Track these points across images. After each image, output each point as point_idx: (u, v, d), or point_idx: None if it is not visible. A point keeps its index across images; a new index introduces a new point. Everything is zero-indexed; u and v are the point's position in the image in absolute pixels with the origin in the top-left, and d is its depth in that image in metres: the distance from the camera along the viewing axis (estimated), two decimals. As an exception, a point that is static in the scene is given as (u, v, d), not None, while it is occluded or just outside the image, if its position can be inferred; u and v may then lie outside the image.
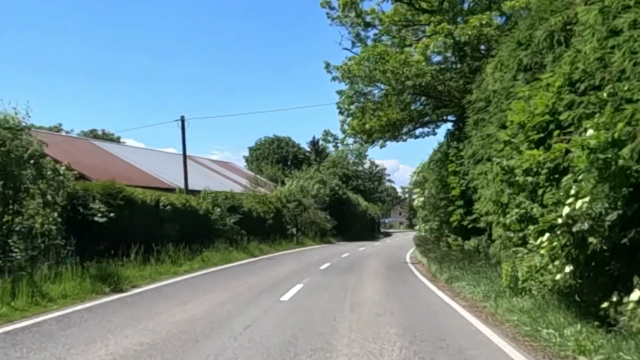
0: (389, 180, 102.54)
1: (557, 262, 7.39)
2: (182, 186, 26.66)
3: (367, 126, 20.46)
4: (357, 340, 6.72)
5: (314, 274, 15.93)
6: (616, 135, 6.06)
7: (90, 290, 10.41)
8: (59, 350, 6.08)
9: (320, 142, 74.86)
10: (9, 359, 5.76)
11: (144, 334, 6.90)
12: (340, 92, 20.20)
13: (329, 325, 7.80)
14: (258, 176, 46.47)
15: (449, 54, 20.30)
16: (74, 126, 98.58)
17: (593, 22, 7.51)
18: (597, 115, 6.53)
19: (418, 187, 27.15)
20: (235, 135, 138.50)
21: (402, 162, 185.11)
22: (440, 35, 15.95)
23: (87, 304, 9.42)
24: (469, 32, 15.78)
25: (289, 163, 68.28)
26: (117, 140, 57.89)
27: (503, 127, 11.22)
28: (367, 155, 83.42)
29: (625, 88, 6.36)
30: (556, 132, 8.30)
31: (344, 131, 22.75)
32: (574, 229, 6.91)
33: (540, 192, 8.65)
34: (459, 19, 17.99)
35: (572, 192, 6.86)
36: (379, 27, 22.32)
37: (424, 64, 16.85)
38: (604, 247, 6.77)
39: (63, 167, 13.77)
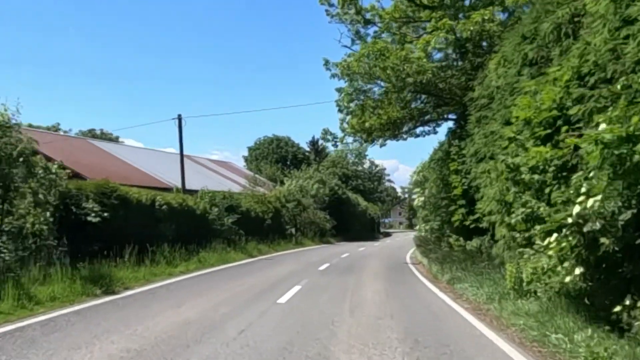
0: (389, 180, 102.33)
1: (566, 264, 7.04)
2: (180, 186, 26.32)
3: (366, 124, 20.11)
4: (357, 346, 6.38)
5: (313, 275, 15.58)
6: (631, 129, 5.71)
7: (81, 293, 10.06)
8: (40, 357, 5.73)
9: (320, 142, 74.81)
10: (-15, 367, 5.42)
11: (132, 340, 6.55)
12: (339, 90, 19.85)
13: (327, 329, 7.46)
14: (257, 176, 46.11)
15: (450, 51, 19.98)
16: (72, 126, 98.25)
17: (604, 12, 7.17)
18: (610, 109, 6.19)
19: (418, 186, 26.82)
20: (235, 135, 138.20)
21: (401, 162, 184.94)
22: (442, 31, 15.60)
23: (76, 307, 9.07)
24: (471, 28, 15.43)
25: (288, 163, 67.93)
26: (115, 140, 57.61)
27: (507, 123, 10.88)
28: (367, 155, 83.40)
29: (641, 80, 6.02)
30: (564, 128, 7.96)
31: (343, 130, 22.42)
32: (585, 229, 6.55)
33: (547, 190, 8.31)
34: (460, 16, 17.63)
35: (583, 190, 6.51)
36: (379, 25, 21.98)
37: (424, 60, 16.49)
38: (616, 248, 6.42)
39: (55, 166, 13.44)
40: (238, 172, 48.98)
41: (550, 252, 7.31)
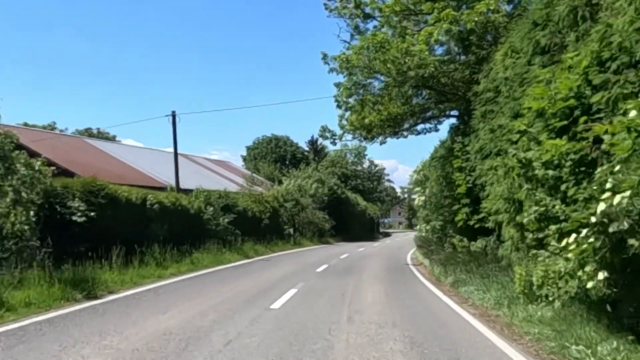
0: (388, 180, 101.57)
1: (588, 268, 6.35)
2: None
3: (366, 121, 19.41)
4: (356, 360, 5.70)
5: (310, 277, 14.90)
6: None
7: (59, 297, 9.35)
8: (-5, 375, 5.06)
9: (320, 142, 74.16)
10: None
11: (105, 353, 5.86)
12: (338, 85, 19.16)
13: (323, 339, 6.77)
14: (255, 175, 45.42)
15: (452, 45, 19.28)
16: (70, 125, 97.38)
17: (629, -10, 6.50)
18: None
19: (419, 185, 26.15)
20: (235, 135, 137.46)
21: (401, 162, 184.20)
22: (445, 22, 14.91)
23: (51, 314, 8.37)
24: (475, 19, 14.74)
25: (287, 162, 67.20)
26: (112, 139, 56.93)
27: (517, 116, 10.21)
28: (366, 155, 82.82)
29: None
30: (582, 119, 7.28)
31: (342, 127, 21.70)
32: (611, 229, 5.86)
33: (563, 187, 7.63)
34: (463, 7, 16.93)
35: (609, 185, 5.82)
36: (379, 19, 21.26)
37: (426, 53, 15.80)
38: (646, 251, 5.75)
39: (39, 162, 12.78)
40: (236, 171, 48.34)
41: (569, 255, 6.63)
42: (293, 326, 7.64)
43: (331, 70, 18.14)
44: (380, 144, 22.81)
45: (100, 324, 7.55)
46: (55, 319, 7.93)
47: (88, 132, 60.13)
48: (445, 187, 17.56)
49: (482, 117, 14.00)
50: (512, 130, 10.15)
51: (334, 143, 22.75)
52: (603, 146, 6.59)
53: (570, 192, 7.48)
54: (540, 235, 8.16)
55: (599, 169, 6.18)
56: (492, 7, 14.79)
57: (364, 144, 23.66)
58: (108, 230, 14.18)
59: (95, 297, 10.16)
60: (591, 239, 6.30)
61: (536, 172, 8.01)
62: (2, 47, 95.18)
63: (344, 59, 16.83)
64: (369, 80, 18.54)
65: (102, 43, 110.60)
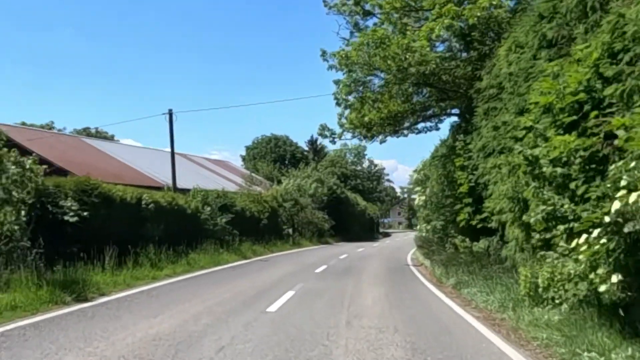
0: (388, 180, 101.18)
1: (600, 270, 6.02)
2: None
3: (366, 119, 19.06)
4: (355, 369, 5.36)
5: (309, 279, 14.55)
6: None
7: (48, 300, 9.00)
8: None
9: (319, 142, 73.80)
10: None
11: (88, 361, 5.53)
12: (337, 82, 18.80)
13: (321, 345, 6.43)
14: (253, 174, 45.07)
15: (454, 42, 18.94)
16: (69, 125, 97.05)
17: (643, -23, 6.16)
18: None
19: (419, 185, 25.80)
20: (235, 135, 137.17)
21: (400, 162, 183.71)
22: (447, 18, 14.56)
23: (38, 318, 8.02)
24: (478, 14, 14.39)
25: (286, 162, 66.83)
26: (111, 139, 56.59)
27: (522, 112, 9.87)
28: (366, 155, 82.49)
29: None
30: (593, 114, 6.95)
31: (341, 125, 21.35)
32: (625, 229, 5.55)
33: (572, 185, 7.29)
34: (465, 3, 16.57)
35: (623, 183, 5.50)
36: (379, 15, 20.91)
37: (427, 49, 15.45)
38: (664, 252, 5.42)
39: (30, 161, 12.45)
40: (235, 171, 48.02)
41: (580, 257, 6.30)
42: (290, 331, 7.30)
43: (330, 67, 17.80)
44: (380, 142, 22.48)
45: (87, 329, 7.20)
46: (41, 323, 7.58)
47: (86, 132, 59.72)
48: (447, 187, 17.21)
49: (485, 115, 13.67)
50: (517, 126, 9.82)
51: (333, 142, 22.42)
52: (616, 142, 6.26)
53: (580, 191, 7.15)
54: (548, 236, 7.82)
55: (612, 166, 5.85)
56: (494, 2, 14.46)
57: (363, 142, 23.28)
58: (101, 230, 13.84)
59: (86, 300, 9.81)
60: (604, 240, 5.97)
61: (543, 169, 7.67)
62: (1, 47, 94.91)
63: (343, 56, 16.48)
64: (368, 78, 18.20)
65: (101, 42, 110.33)
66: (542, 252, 8.03)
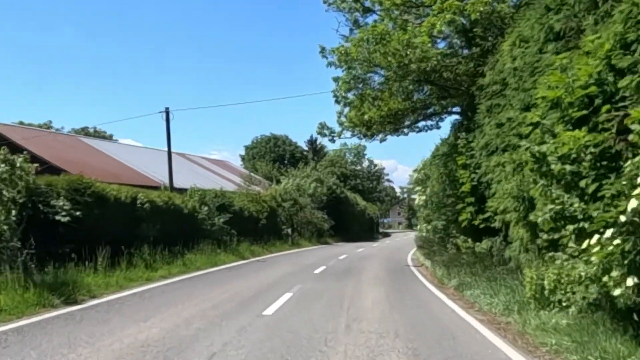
0: (388, 180, 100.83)
1: (614, 273, 5.67)
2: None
3: (365, 117, 18.69)
4: (354, 379, 5.01)
5: (307, 280, 14.21)
6: None
7: (35, 303, 8.65)
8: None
9: (319, 142, 73.46)
10: None
11: (69, 370, 5.19)
12: (336, 79, 18.45)
13: (318, 351, 6.09)
14: (252, 174, 44.71)
15: (455, 40, 18.60)
16: (68, 125, 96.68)
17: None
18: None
19: (419, 185, 25.45)
20: (234, 135, 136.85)
21: (400, 162, 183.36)
22: (448, 13, 14.21)
23: (23, 322, 7.67)
24: (481, 9, 14.04)
25: (285, 162, 66.49)
26: (109, 138, 56.27)
27: (527, 108, 9.54)
28: (366, 155, 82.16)
29: None
30: (605, 107, 6.60)
31: (341, 123, 20.99)
32: (643, 229, 5.22)
33: (582, 183, 6.95)
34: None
35: (640, 180, 5.17)
36: (379, 12, 20.57)
37: (429, 45, 15.10)
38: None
39: (20, 159, 12.13)
40: (234, 170, 47.71)
41: (593, 258, 5.95)
42: (285, 336, 6.95)
43: (329, 64, 17.45)
44: (380, 141, 22.12)
45: (73, 333, 6.85)
46: (24, 328, 7.23)
47: (84, 131, 59.46)
48: (448, 186, 16.85)
49: (488, 112, 13.33)
50: (523, 123, 9.48)
51: (332, 140, 22.06)
52: (630, 137, 5.93)
53: (591, 189, 6.80)
54: (556, 236, 7.48)
55: (628, 163, 5.51)
56: (498, -4, 14.14)
57: (363, 141, 22.90)
58: (95, 230, 13.49)
59: (76, 302, 9.46)
60: (618, 241, 5.63)
61: (552, 167, 7.32)
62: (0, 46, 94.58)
63: (343, 52, 16.11)
64: (368, 75, 17.85)
65: (101, 41, 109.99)
66: (551, 254, 7.68)
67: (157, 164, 31.84)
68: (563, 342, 6.47)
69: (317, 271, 16.90)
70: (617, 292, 5.66)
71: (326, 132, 21.88)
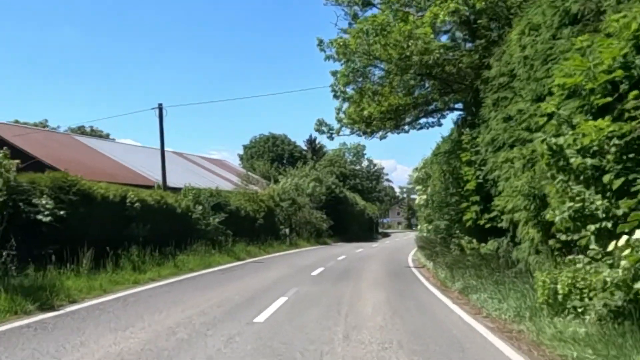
0: (387, 180, 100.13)
1: (649, 279, 5.01)
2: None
3: (365, 113, 18.01)
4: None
5: (304, 282, 13.52)
6: None
7: (6, 310, 7.96)
8: None
9: (317, 141, 72.80)
10: None
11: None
12: (334, 73, 17.75)
13: (312, 367, 5.41)
14: (250, 173, 44.05)
15: (457, 32, 17.94)
16: (64, 124, 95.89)
17: None
18: None
19: (420, 184, 24.80)
20: (233, 135, 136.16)
21: (399, 162, 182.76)
22: (452, 2, 13.52)
23: (-12, 331, 6.99)
24: (486, -2, 13.38)
25: (284, 161, 65.81)
26: (106, 137, 55.59)
27: (539, 99, 8.87)
28: (365, 154, 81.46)
29: None
30: (633, 93, 5.94)
31: (339, 120, 20.32)
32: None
33: (606, 178, 6.28)
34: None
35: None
36: (379, 5, 19.93)
37: (431, 36, 14.41)
38: None
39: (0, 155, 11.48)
40: (232, 170, 47.10)
41: (623, 262, 5.28)
42: (277, 347, 6.27)
43: (328, 57, 16.74)
44: (381, 139, 21.46)
45: (40, 346, 6.16)
46: (-13, 339, 6.54)
47: (81, 130, 58.79)
48: (451, 184, 16.19)
49: (494, 106, 12.67)
50: (535, 115, 8.83)
51: (331, 138, 21.36)
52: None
53: (615, 185, 6.14)
54: (576, 237, 6.80)
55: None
56: (504, -15, 13.45)
57: (362, 139, 22.23)
58: (80, 230, 12.82)
59: (52, 309, 8.75)
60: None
61: (571, 160, 6.65)
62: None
63: (342, 44, 15.41)
64: (368, 68, 17.16)
65: (100, 41, 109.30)
66: (570, 256, 7.00)
67: (154, 163, 31.17)
68: (586, 356, 5.79)
69: (314, 273, 16.22)
70: (652, 300, 4.99)
71: (324, 129, 21.22)
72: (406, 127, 21.28)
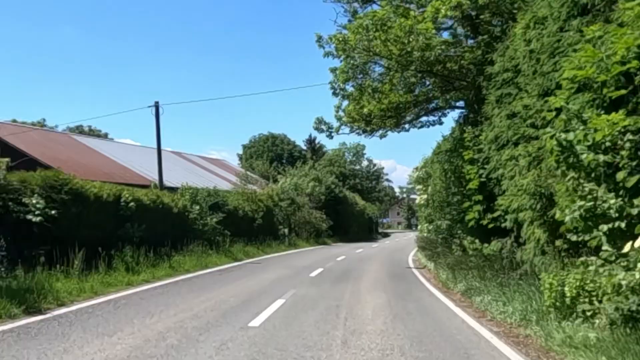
0: (387, 180, 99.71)
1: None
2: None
3: (365, 110, 17.67)
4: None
5: (302, 284, 13.18)
6: None
7: (-10, 313, 7.63)
8: None
9: (317, 140, 72.41)
10: None
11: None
12: (334, 70, 17.41)
13: (309, 376, 5.07)
14: (248, 173, 43.69)
15: (460, 29, 17.60)
16: (63, 123, 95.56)
17: None
18: None
19: (420, 183, 24.48)
20: (233, 135, 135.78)
21: (399, 162, 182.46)
22: (454, -4, 13.17)
23: (-33, 337, 6.64)
24: (490, -9, 13.05)
25: (283, 161, 65.45)
26: (104, 137, 55.30)
27: (546, 94, 8.52)
28: (365, 154, 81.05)
29: None
30: (649, 85, 5.60)
31: (339, 118, 19.97)
32: None
33: (620, 175, 5.94)
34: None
35: None
36: (379, 2, 19.58)
37: (433, 31, 14.07)
38: None
39: (-14, 154, 11.15)
40: (231, 169, 46.78)
41: (641, 264, 4.94)
42: (272, 354, 5.93)
43: (327, 54, 16.39)
44: (381, 137, 21.10)
45: (19, 353, 5.81)
46: (-35, 346, 6.20)
47: (79, 130, 58.45)
48: (453, 183, 15.85)
49: (497, 102, 12.32)
50: (541, 110, 8.49)
51: (330, 136, 21.02)
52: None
53: (630, 182, 5.80)
54: (587, 237, 6.46)
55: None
56: (507, -21, 13.11)
57: (362, 137, 21.86)
58: (72, 230, 12.50)
59: (39, 312, 8.40)
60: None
61: (582, 157, 6.31)
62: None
63: (341, 39, 15.06)
64: (368, 65, 16.80)
65: (98, 40, 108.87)
66: (582, 258, 6.65)
67: (152, 163, 30.86)
68: (599, 364, 5.46)
69: (313, 274, 15.87)
70: (673, 306, 4.65)
71: (324, 127, 20.87)
72: (407, 126, 20.96)
